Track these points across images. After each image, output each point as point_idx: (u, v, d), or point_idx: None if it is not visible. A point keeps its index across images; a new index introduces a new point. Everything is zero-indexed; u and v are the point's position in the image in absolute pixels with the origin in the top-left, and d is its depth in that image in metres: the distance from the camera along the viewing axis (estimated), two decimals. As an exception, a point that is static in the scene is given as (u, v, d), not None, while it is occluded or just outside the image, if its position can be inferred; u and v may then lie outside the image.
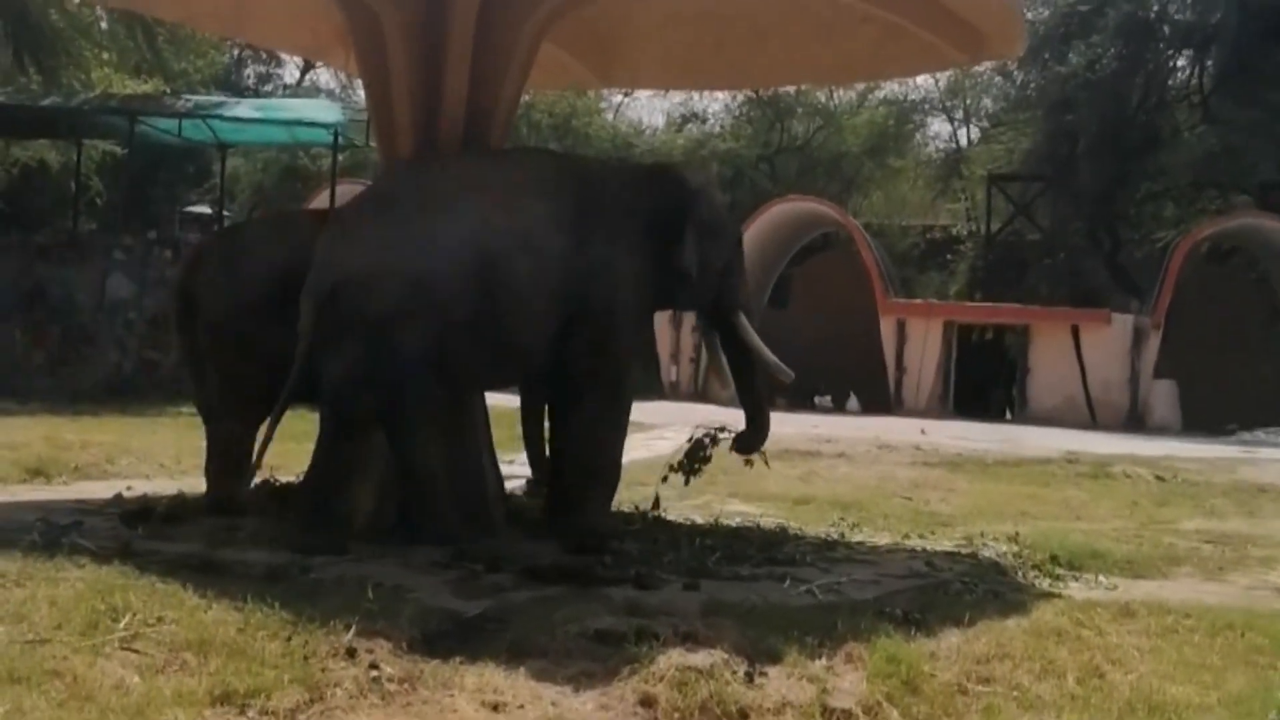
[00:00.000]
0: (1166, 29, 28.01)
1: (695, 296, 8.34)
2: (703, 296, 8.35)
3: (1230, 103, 26.14)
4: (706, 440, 8.85)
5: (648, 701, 4.81)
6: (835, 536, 9.13)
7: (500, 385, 8.72)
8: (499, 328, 7.49)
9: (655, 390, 23.53)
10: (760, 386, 8.76)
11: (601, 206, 7.91)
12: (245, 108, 23.36)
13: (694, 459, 8.89)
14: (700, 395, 24.09)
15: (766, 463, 9.06)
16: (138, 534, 7.52)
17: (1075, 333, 24.33)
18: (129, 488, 9.54)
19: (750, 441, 8.67)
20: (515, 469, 10.01)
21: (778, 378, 8.51)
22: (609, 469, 8.12)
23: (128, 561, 6.18)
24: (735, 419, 8.82)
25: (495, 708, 4.72)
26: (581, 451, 8.01)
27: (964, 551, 8.71)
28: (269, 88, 37.95)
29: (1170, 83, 29.10)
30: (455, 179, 7.92)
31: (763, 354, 8.43)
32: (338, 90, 36.61)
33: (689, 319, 22.02)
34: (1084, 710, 5.06)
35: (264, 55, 36.21)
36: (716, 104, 36.59)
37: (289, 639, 5.07)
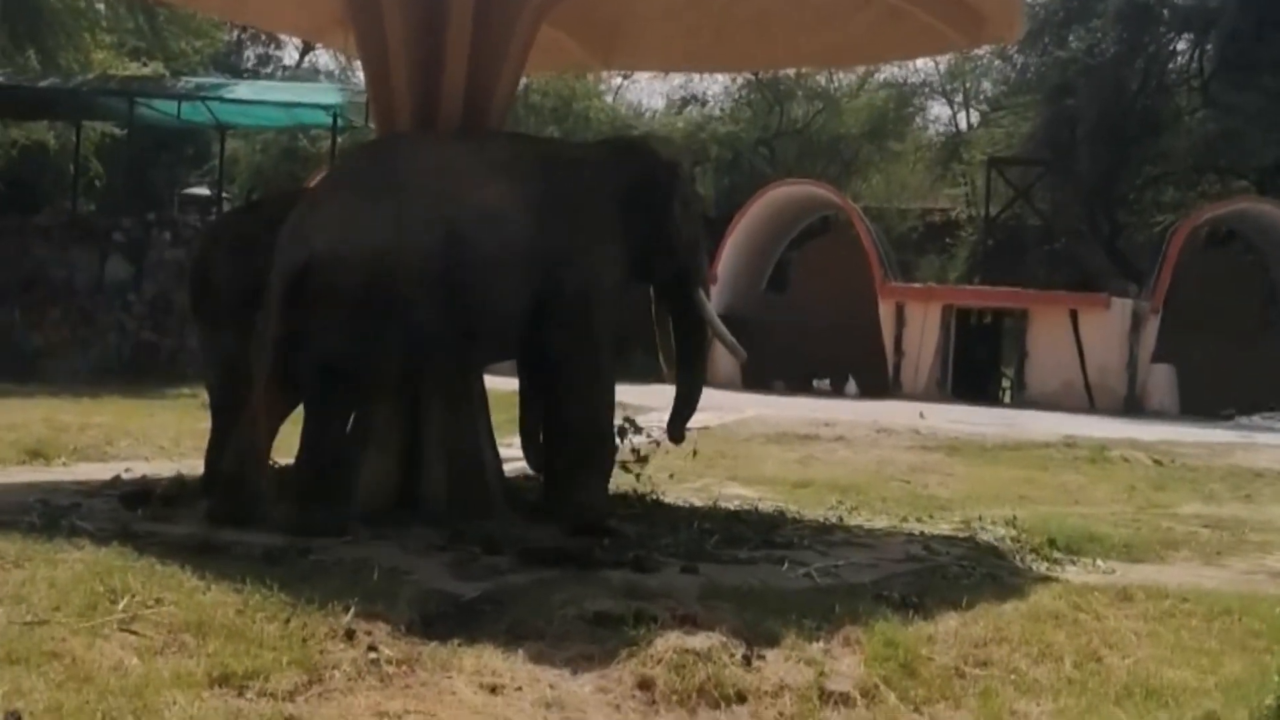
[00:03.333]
0: (1166, 13, 27.99)
1: (665, 271, 8.37)
2: (670, 271, 8.39)
3: (1230, 87, 26.11)
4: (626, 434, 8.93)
5: (646, 684, 4.81)
6: (833, 520, 9.13)
7: (480, 364, 8.62)
8: (468, 303, 7.47)
9: (656, 373, 23.43)
10: (701, 371, 8.96)
11: (572, 184, 7.92)
12: (244, 89, 23.32)
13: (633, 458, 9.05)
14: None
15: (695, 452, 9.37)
16: (137, 516, 7.52)
17: (1074, 317, 24.31)
18: (128, 469, 9.55)
19: (678, 427, 8.76)
20: (515, 451, 10.01)
21: (733, 355, 8.69)
22: (601, 450, 8.13)
23: (126, 543, 6.16)
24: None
25: (493, 690, 4.73)
26: (572, 434, 8.01)
27: (962, 535, 8.71)
28: (268, 69, 37.90)
29: (1170, 67, 29.09)
30: (421, 158, 7.87)
31: (720, 331, 8.62)
32: (337, 72, 36.60)
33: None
34: (1081, 693, 5.06)
35: (264, 37, 36.18)
36: (716, 86, 36.58)
37: (287, 621, 5.07)
